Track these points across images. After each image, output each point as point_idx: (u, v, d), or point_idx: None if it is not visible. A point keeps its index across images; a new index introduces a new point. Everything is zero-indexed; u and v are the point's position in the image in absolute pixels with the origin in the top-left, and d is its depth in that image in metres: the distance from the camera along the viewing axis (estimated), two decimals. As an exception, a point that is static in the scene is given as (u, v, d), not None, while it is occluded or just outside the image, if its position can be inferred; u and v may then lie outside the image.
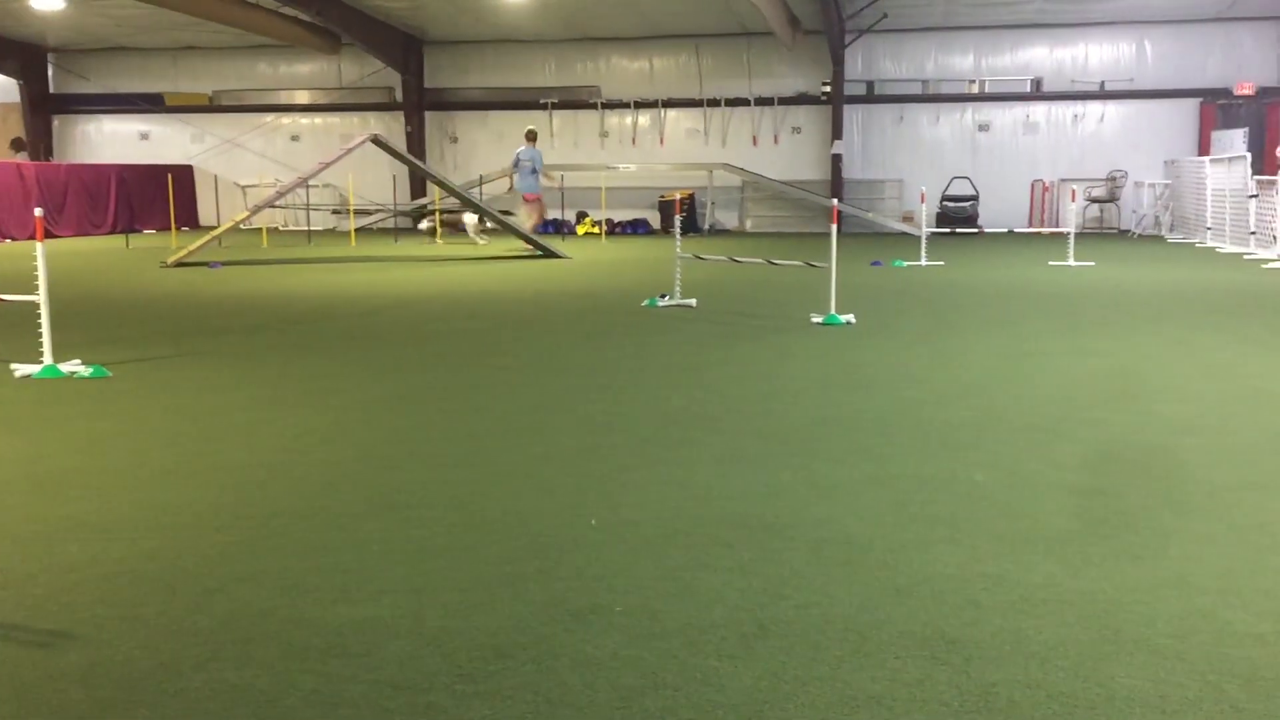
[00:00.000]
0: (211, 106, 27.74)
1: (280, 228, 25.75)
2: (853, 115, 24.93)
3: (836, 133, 24.46)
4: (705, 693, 2.91)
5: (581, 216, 25.15)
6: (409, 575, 3.74)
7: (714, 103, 25.63)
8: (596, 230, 24.42)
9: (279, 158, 27.31)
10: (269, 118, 27.53)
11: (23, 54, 27.03)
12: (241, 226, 18.92)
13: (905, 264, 15.94)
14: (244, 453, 5.41)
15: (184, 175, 27.03)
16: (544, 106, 26.16)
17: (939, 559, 3.87)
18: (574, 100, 26.20)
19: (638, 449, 5.47)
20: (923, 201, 17.10)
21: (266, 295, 12.52)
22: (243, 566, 3.83)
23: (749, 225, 25.64)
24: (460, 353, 8.56)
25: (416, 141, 26.29)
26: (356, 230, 23.01)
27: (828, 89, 24.58)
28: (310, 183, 20.77)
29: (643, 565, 3.83)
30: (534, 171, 19.80)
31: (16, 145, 27.01)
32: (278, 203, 20.02)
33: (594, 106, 26.13)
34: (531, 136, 20.31)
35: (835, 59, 23.92)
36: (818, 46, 24.28)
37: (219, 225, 19.69)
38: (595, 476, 4.97)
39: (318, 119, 27.54)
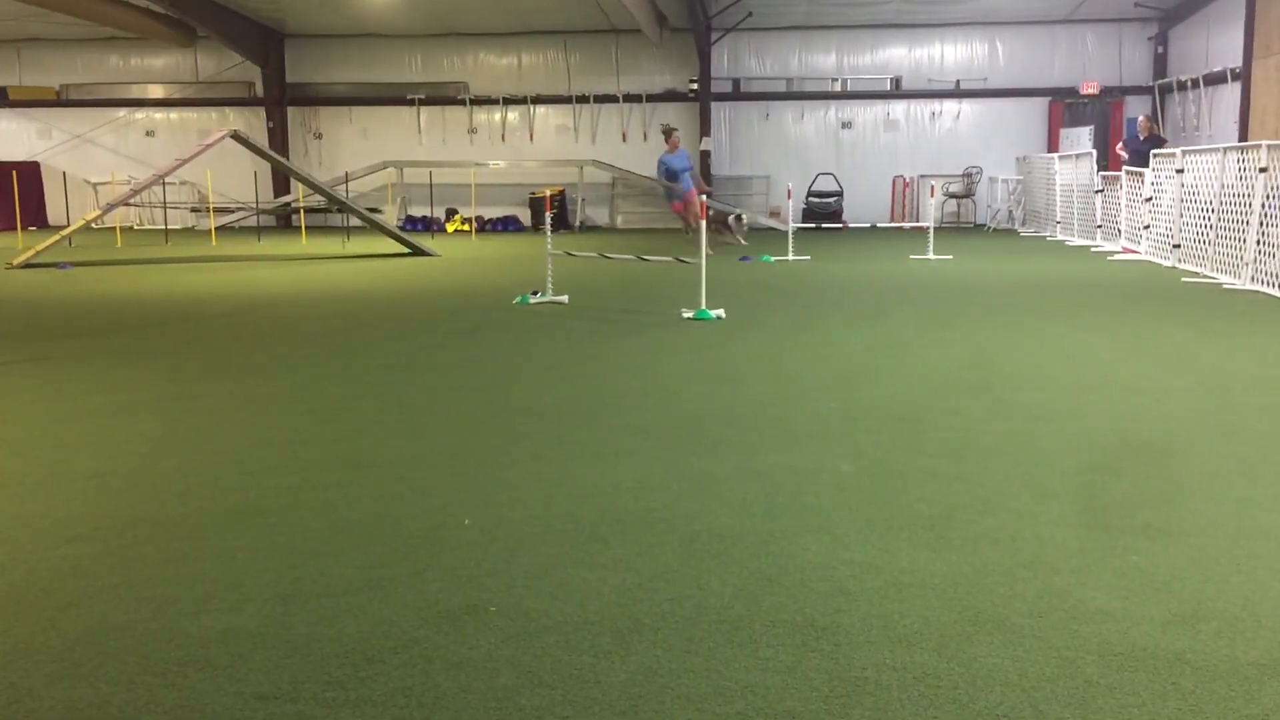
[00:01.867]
0: (59, 100, 26.59)
1: (135, 227, 24.84)
2: (720, 112, 25.23)
3: (705, 129, 24.71)
4: (582, 689, 2.91)
5: (451, 214, 24.88)
6: (275, 582, 3.65)
7: (583, 99, 25.64)
8: (466, 227, 24.20)
9: (133, 154, 26.32)
10: (121, 113, 26.50)
11: None
12: (93, 226, 18.17)
13: (773, 259, 16.19)
14: (98, 460, 5.21)
15: (30, 172, 25.85)
16: (411, 102, 25.80)
17: (808, 548, 3.95)
18: (442, 96, 25.91)
19: (511, 446, 5.44)
20: (789, 197, 17.40)
21: (121, 297, 12.06)
22: (98, 579, 3.68)
23: (619, 221, 25.73)
24: (328, 353, 8.38)
25: (279, 137, 25.66)
26: (217, 229, 22.34)
27: (695, 86, 24.83)
28: (166, 180, 20.08)
29: (517, 563, 3.81)
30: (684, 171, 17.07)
31: None
32: (132, 201, 19.31)
33: (462, 103, 25.88)
34: (669, 136, 17.21)
35: (702, 56, 24.17)
36: (685, 44, 24.51)
37: (69, 225, 18.86)
38: (468, 475, 4.93)
39: (174, 114, 26.62)
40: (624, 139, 25.70)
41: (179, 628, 3.29)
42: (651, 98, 25.52)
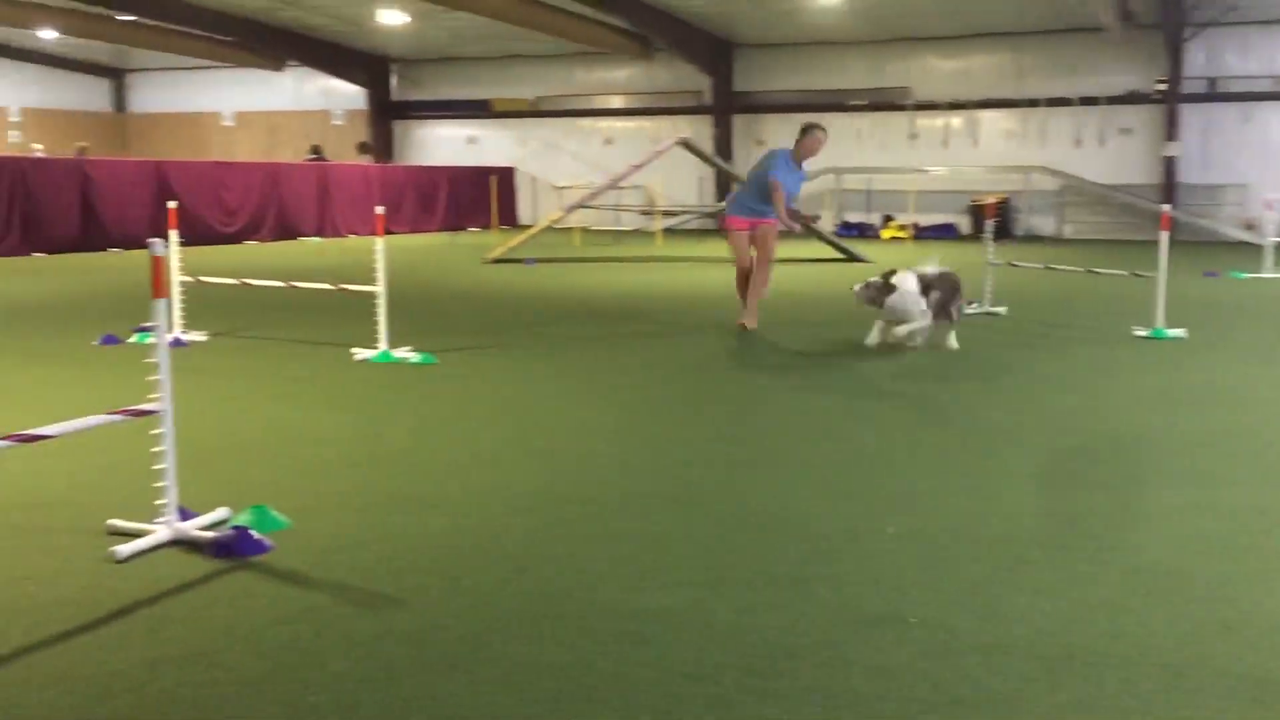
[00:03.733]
0: (533, 111, 29.23)
1: (592, 228, 26.81)
2: (1191, 115, 23.15)
3: (1171, 134, 22.79)
4: (1002, 714, 2.79)
5: (887, 220, 24.70)
6: (700, 569, 3.81)
7: (1033, 103, 24.50)
8: (902, 234, 23.91)
9: (593, 160, 28.41)
10: (585, 122, 28.69)
11: (370, 65, 29.47)
12: (556, 226, 19.83)
13: (1245, 275, 14.65)
14: (552, 440, 5.68)
15: (506, 177, 28.61)
16: (853, 108, 25.88)
17: (1274, 595, 3.54)
18: (884, 102, 25.76)
19: (938, 458, 5.32)
20: (1268, 208, 15.65)
21: (576, 292, 13.06)
22: (548, 548, 4.02)
23: (1067, 231, 24.35)
24: (758, 352, 8.61)
25: (723, 144, 26.67)
26: (663, 230, 23.60)
27: (1163, 87, 22.95)
28: (621, 184, 21.50)
29: (940, 578, 3.73)
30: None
31: (362, 149, 29.46)
32: (590, 203, 20.85)
33: (904, 108, 25.59)
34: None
35: (1172, 54, 22.28)
36: (1152, 41, 22.71)
37: (536, 224, 20.71)
38: (892, 484, 4.88)
39: (630, 122, 28.45)
40: (1077, 144, 24.27)
41: (614, 602, 3.52)
42: (1111, 100, 23.90)
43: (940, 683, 2.96)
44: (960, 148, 25.30)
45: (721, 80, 26.67)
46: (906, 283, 8.41)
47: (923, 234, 24.32)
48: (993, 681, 2.97)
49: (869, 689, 2.93)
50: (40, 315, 10.49)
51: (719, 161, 19.39)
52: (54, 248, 18.10)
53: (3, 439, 3.64)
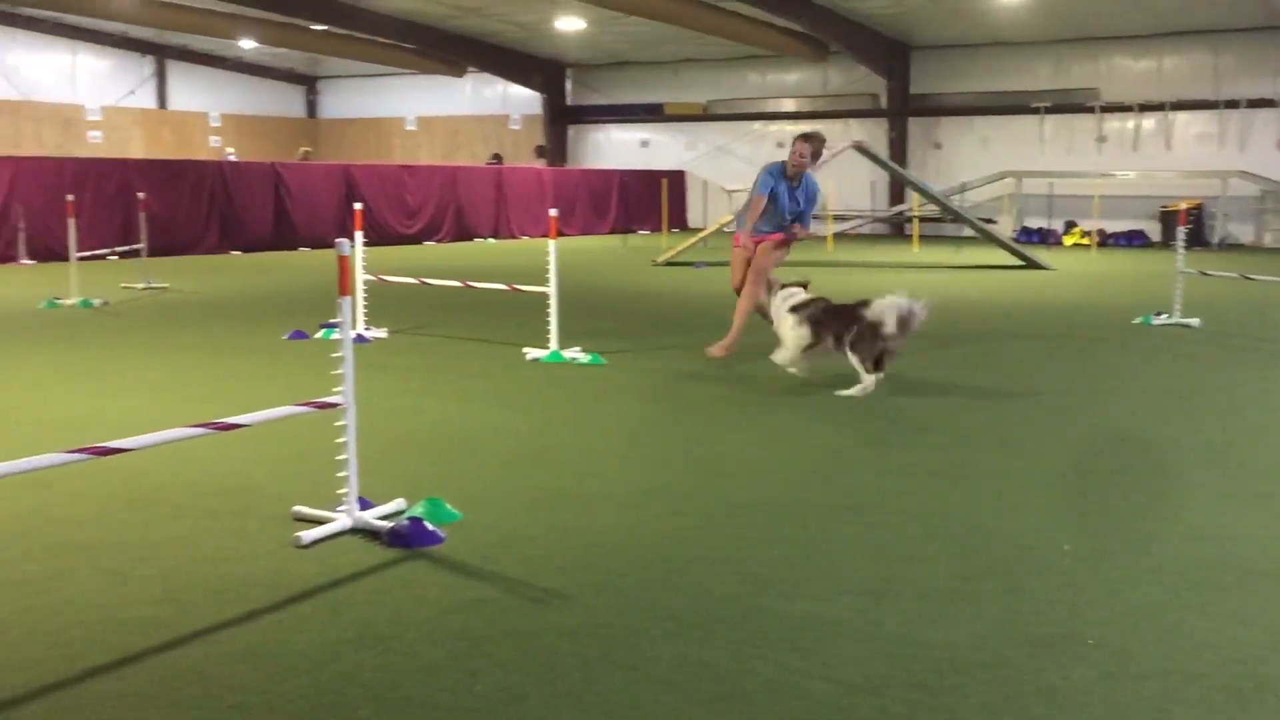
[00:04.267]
0: (705, 115, 29.31)
1: (761, 231, 26.64)
2: None
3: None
4: (1186, 746, 2.66)
5: (1069, 226, 23.80)
6: (866, 579, 3.75)
7: (1232, 104, 23.22)
8: (1086, 241, 23.01)
9: (763, 163, 28.27)
10: (756, 125, 28.61)
11: (546, 70, 30.08)
12: (726, 230, 19.83)
13: None
14: (716, 445, 5.68)
15: (677, 180, 28.77)
16: (1035, 111, 25.04)
17: None
18: (1069, 104, 24.82)
19: (1118, 476, 5.10)
20: None
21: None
22: (708, 551, 4.02)
23: (1268, 240, 22.98)
24: (928, 363, 8.41)
25: (898, 148, 26.18)
26: (834, 235, 23.33)
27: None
28: (792, 188, 21.33)
29: (1119, 599, 3.57)
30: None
31: (538, 152, 30.11)
32: (760, 207, 20.78)
33: (1091, 110, 24.61)
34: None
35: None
36: (1366, 37, 21.25)
37: (705, 228, 20.77)
38: (1068, 501, 4.70)
39: (802, 126, 28.20)
40: None
41: (776, 607, 3.49)
42: (1318, 100, 22.46)
43: (1118, 708, 2.84)
44: (1151, 151, 24.16)
45: (897, 82, 26.19)
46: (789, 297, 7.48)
47: (1108, 241, 23.35)
48: (1175, 710, 2.83)
49: (1042, 711, 2.83)
50: (235, 311, 11.08)
51: (893, 165, 19.05)
52: (249, 246, 19.11)
53: (200, 427, 3.86)
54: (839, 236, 24.00)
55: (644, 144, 30.39)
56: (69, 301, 11.14)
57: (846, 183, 25.34)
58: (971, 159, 25.76)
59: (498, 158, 27.61)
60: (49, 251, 16.22)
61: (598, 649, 3.18)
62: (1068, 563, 3.91)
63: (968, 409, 6.62)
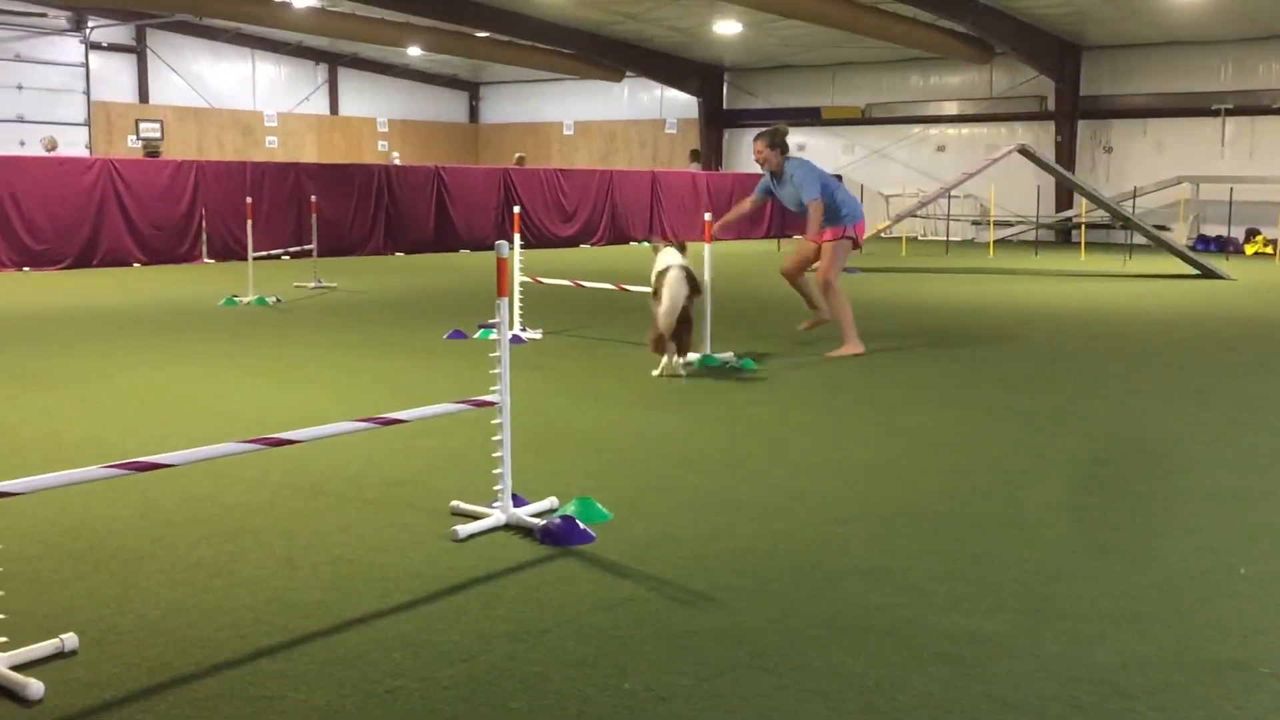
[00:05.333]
0: (863, 119, 28.91)
1: (919, 237, 26.17)
2: None
3: None
4: (1374, 788, 2.49)
5: (1252, 234, 22.60)
6: (1026, 594, 3.63)
7: None
8: (1270, 250, 21.81)
9: (923, 168, 27.76)
10: (916, 129, 28.07)
11: (703, 74, 30.16)
12: (882, 235, 19.52)
13: None
14: (870, 452, 5.59)
15: (833, 185, 28.43)
16: (1215, 113, 23.87)
17: None
18: (1253, 106, 23.58)
19: (1303, 497, 4.81)
20: None
21: (902, 302, 12.80)
22: (864, 561, 3.96)
23: None
24: (1096, 373, 8.11)
25: (1066, 152, 25.32)
26: (995, 242, 22.71)
27: None
28: (952, 193, 20.87)
29: (1301, 628, 3.37)
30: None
31: (693, 156, 30.20)
32: (918, 212, 20.38)
33: (1277, 112, 23.32)
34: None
35: None
36: None
37: (861, 233, 20.45)
38: (1244, 521, 4.46)
39: (964, 129, 27.57)
40: None
41: (932, 620, 3.42)
42: None
43: (1298, 743, 2.68)
44: (1345, 155, 22.76)
45: (1067, 84, 25.33)
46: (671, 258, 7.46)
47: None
48: (1362, 749, 2.65)
49: (1212, 741, 2.69)
50: (398, 310, 11.45)
51: (1060, 170, 18.43)
52: (412, 248, 19.72)
53: (364, 421, 4.00)
54: (1001, 243, 23.35)
55: (800, 148, 30.14)
56: (246, 299, 11.70)
57: (1010, 188, 24.63)
58: (1144, 163, 24.74)
59: (696, 154, 27.96)
60: (228, 251, 17.08)
61: (746, 652, 3.17)
62: (1243, 587, 3.71)
63: (1129, 421, 6.35)
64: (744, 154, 31.07)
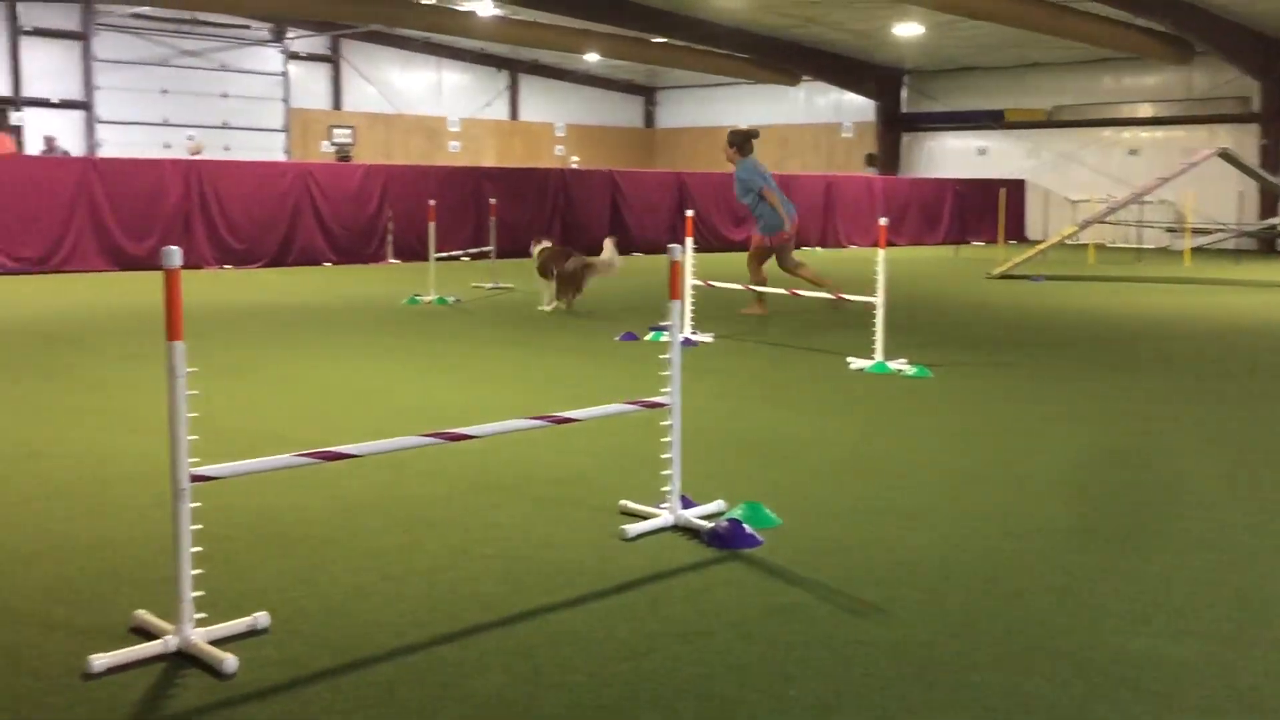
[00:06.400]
0: (1049, 122, 27.92)
1: (1108, 244, 25.10)
2: None
3: None
4: None
5: None
6: (1221, 620, 3.43)
7: None
8: None
9: (1113, 172, 26.62)
10: (1106, 132, 26.94)
11: (880, 77, 29.66)
12: (1068, 242, 18.80)
13: None
14: (1047, 467, 5.38)
15: (1016, 189, 27.57)
16: None
17: None
18: None
19: None
20: None
21: (1088, 313, 12.30)
22: (1043, 578, 3.81)
23: None
24: (1303, 390, 7.62)
25: (1272, 155, 23.87)
26: (1192, 250, 21.59)
27: None
28: (1145, 199, 19.94)
29: None
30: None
31: (869, 160, 29.75)
32: (1108, 219, 19.54)
33: None
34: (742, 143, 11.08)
35: None
36: None
37: (1046, 239, 19.75)
38: None
39: (1159, 132, 26.31)
40: None
41: (1115, 644, 3.26)
42: None
43: None
44: None
45: (1274, 84, 23.87)
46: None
47: None
48: None
49: None
50: (571, 312, 11.64)
51: (1264, 174, 17.39)
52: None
53: (538, 419, 4.08)
54: (1197, 252, 22.18)
55: (981, 152, 29.36)
56: (427, 298, 12.11)
57: (1209, 193, 23.39)
58: (1362, 167, 23.09)
59: (872, 158, 27.66)
60: (411, 252, 17.70)
61: (916, 668, 3.09)
62: None
63: (1346, 444, 5.93)
64: (922, 158, 30.46)
